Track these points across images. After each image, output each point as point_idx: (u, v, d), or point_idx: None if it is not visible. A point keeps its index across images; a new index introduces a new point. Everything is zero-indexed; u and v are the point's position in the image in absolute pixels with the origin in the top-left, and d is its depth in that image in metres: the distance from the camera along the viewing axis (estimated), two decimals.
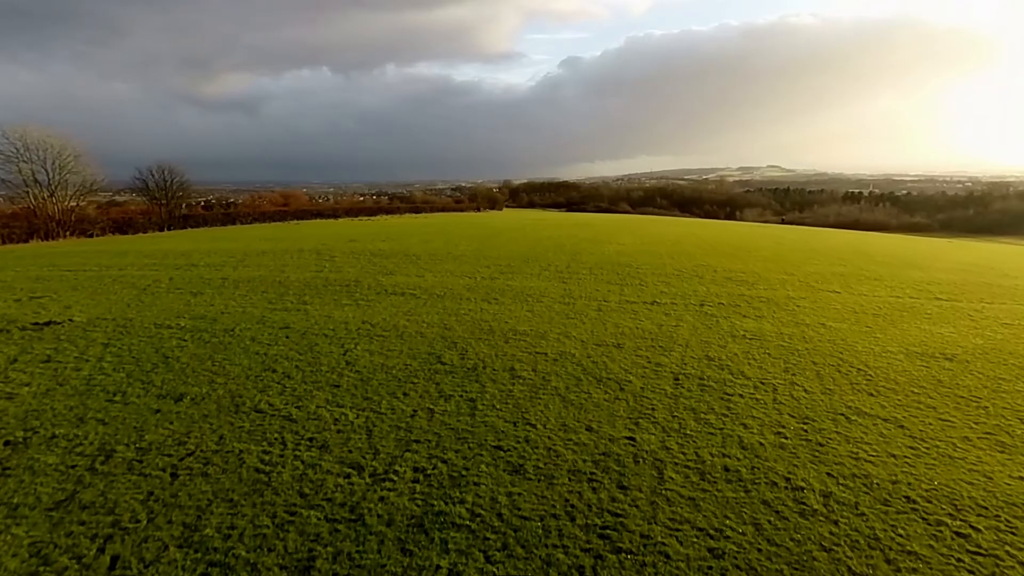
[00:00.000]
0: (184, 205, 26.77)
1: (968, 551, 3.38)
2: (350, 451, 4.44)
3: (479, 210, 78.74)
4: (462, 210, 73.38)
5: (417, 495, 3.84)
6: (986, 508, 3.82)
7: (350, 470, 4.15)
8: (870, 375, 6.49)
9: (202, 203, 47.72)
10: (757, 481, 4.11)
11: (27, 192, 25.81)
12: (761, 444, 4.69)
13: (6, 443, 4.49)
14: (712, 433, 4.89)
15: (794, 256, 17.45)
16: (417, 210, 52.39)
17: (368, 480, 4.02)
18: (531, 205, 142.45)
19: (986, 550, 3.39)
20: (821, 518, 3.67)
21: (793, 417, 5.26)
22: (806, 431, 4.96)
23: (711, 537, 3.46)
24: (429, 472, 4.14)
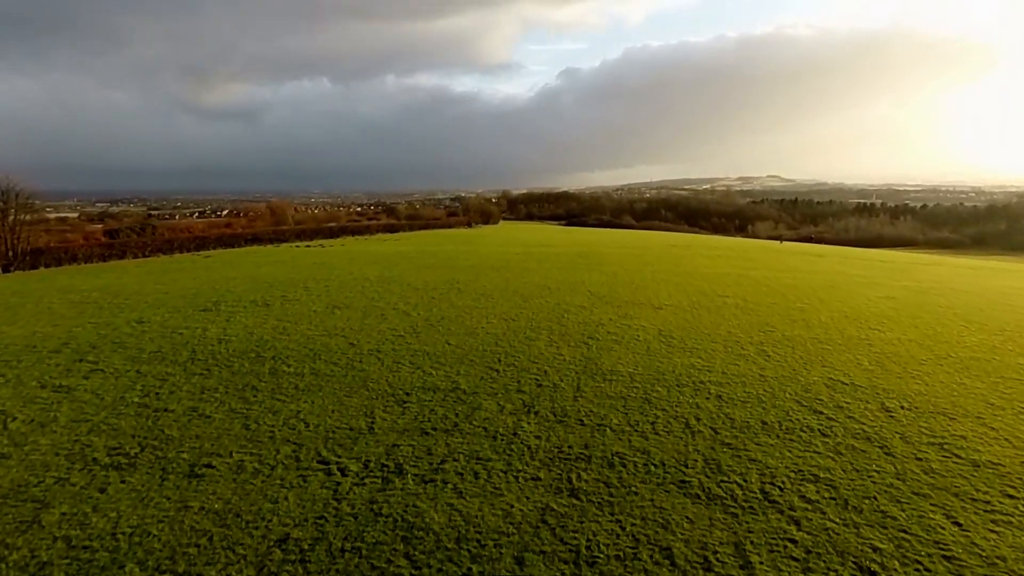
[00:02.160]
0: (25, 238, 18.60)
1: None
2: None
3: (470, 225, 71.92)
4: (451, 226, 66.38)
5: None
6: None
7: None
8: None
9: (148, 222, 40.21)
10: None
11: None
12: None
13: None
14: None
15: (978, 346, 10.07)
16: (393, 228, 45.05)
17: None
18: (529, 217, 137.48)
19: None
20: None
21: None
22: None
23: None
24: None
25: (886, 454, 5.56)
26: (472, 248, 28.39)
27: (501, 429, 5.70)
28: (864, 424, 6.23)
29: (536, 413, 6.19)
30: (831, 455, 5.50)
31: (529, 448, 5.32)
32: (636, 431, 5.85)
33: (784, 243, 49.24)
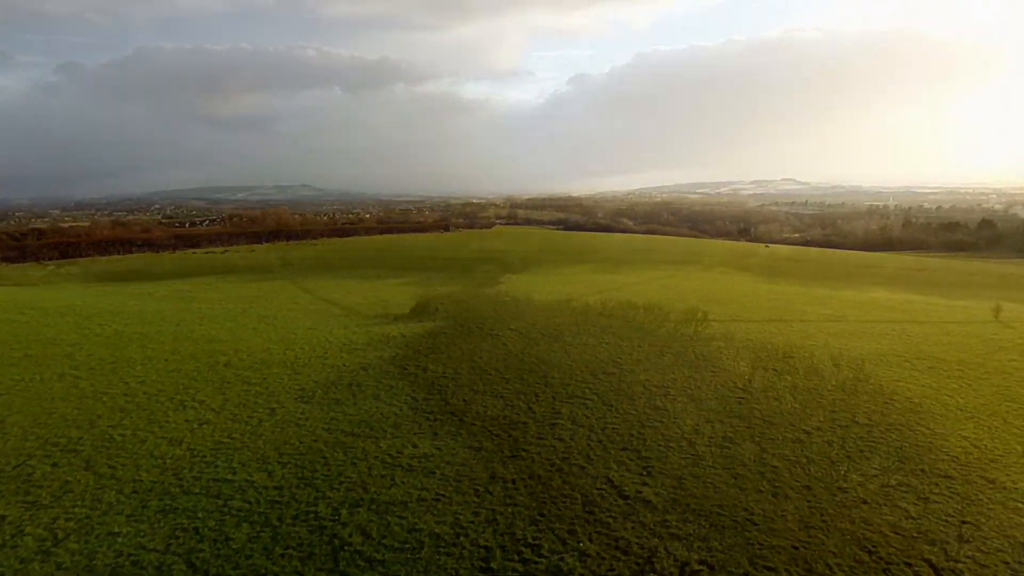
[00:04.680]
0: None
1: None
2: None
3: (447, 229, 69.24)
4: (425, 230, 63.66)
5: None
6: None
7: None
8: None
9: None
10: None
11: None
12: None
13: None
14: None
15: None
16: (345, 232, 42.29)
17: None
18: (528, 222, 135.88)
19: None
20: None
21: None
22: None
23: None
24: None
25: None
26: (378, 255, 25.27)
27: None
28: None
29: None
30: None
31: None
32: None
33: (771, 247, 45.38)
